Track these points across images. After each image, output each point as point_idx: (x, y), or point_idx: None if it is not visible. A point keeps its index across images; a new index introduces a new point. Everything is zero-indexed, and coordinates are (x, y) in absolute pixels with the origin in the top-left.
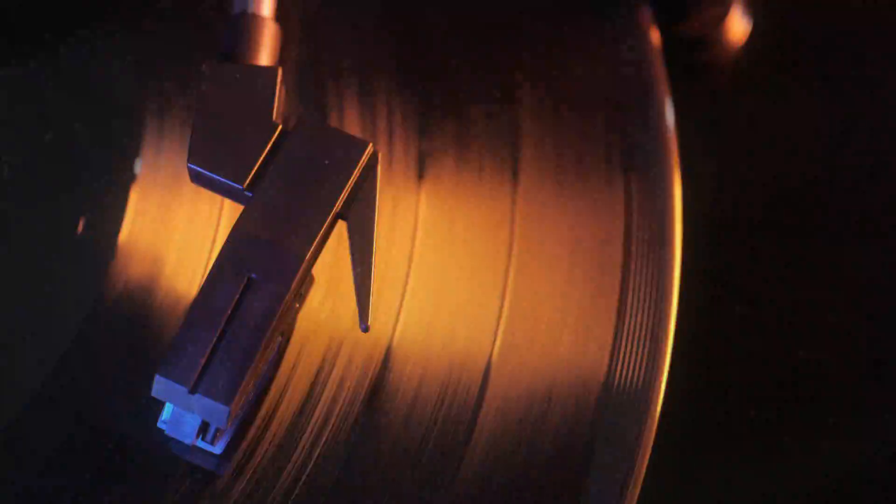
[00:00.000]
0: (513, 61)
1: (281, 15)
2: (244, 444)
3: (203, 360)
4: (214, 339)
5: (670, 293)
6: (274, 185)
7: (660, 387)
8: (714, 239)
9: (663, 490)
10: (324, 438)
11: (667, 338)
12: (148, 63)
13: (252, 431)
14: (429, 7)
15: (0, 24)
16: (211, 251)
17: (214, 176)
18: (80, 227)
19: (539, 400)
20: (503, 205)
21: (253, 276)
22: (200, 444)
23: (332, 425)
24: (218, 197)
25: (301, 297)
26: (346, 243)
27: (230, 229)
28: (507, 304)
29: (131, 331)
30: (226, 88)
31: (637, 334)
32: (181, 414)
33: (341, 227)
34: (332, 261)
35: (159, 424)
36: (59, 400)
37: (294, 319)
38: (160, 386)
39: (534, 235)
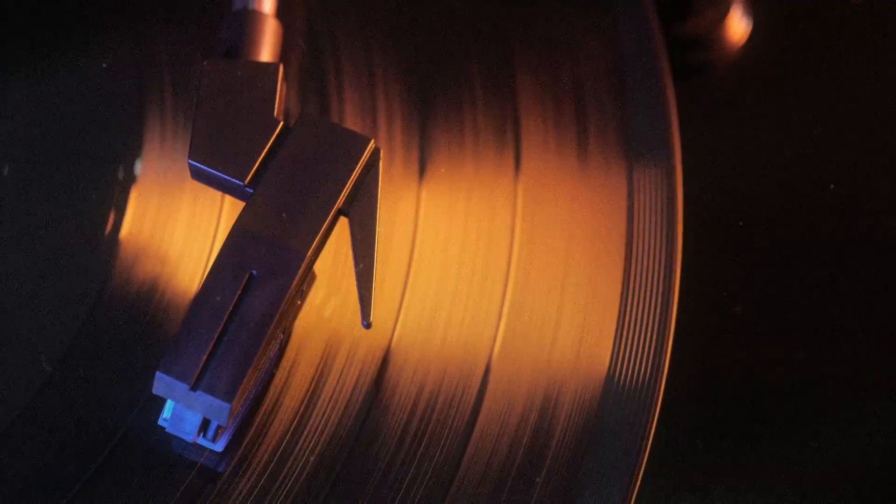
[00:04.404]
0: (514, 59)
1: (281, 11)
2: (245, 442)
3: (204, 357)
4: (216, 336)
5: (673, 291)
6: (275, 181)
7: (661, 385)
8: (714, 238)
9: (663, 489)
10: (325, 436)
11: (669, 335)
12: (148, 63)
13: (253, 429)
14: (430, 3)
15: (0, 24)
16: (211, 250)
17: (215, 172)
18: None
19: (540, 396)
20: (504, 201)
21: (254, 272)
22: (202, 441)
23: (333, 422)
24: (218, 195)
25: (303, 294)
26: (348, 240)
27: (231, 227)
28: (508, 300)
29: (132, 330)
30: (227, 85)
31: (639, 332)
32: (182, 411)
33: (343, 223)
34: (334, 258)
35: (160, 422)
36: (60, 399)
37: (295, 316)
38: (161, 383)
39: (535, 232)
